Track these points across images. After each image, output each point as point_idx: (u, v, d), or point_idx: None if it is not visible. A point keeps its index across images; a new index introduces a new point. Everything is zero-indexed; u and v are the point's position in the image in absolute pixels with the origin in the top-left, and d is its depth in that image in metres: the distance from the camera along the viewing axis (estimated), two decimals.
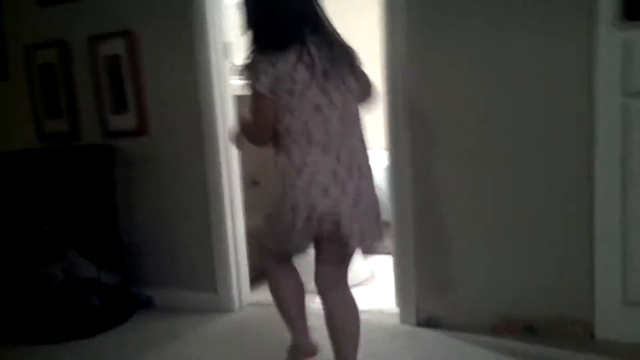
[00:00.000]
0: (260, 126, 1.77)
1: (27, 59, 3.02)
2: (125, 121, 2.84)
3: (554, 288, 2.28)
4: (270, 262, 2.01)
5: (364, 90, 1.85)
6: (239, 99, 2.78)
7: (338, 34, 1.78)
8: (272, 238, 1.86)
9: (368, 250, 1.80)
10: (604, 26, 2.06)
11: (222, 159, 2.72)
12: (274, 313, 2.06)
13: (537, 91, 2.21)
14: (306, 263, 1.93)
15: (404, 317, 2.51)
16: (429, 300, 2.46)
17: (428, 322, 2.46)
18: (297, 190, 1.70)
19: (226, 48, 2.74)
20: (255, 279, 2.93)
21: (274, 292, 2.03)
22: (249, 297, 2.88)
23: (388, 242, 2.46)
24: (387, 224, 2.58)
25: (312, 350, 2.02)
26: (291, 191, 1.71)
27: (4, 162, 2.68)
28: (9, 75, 3.12)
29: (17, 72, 3.09)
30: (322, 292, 1.87)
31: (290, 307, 2.00)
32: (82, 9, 2.88)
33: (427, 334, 2.41)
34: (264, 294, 2.94)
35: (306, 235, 1.75)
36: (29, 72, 3.02)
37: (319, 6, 1.76)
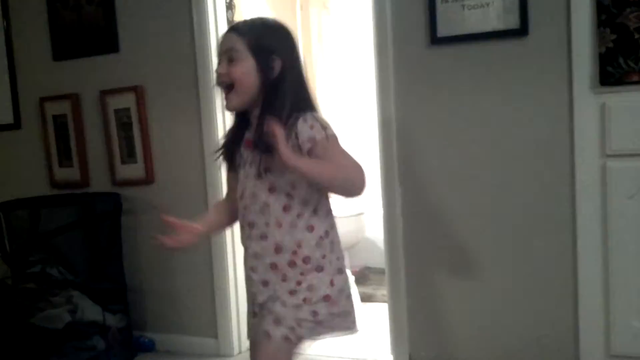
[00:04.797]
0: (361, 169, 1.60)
1: (41, 110, 3.17)
2: (133, 170, 2.98)
3: (540, 341, 2.38)
4: None
5: None
6: None
7: None
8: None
9: None
10: (581, 91, 2.22)
11: None
12: None
13: (521, 154, 2.34)
14: None
15: None
16: (421, 348, 2.55)
17: None
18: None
19: None
20: None
21: None
22: (248, 343, 2.96)
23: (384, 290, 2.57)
24: (382, 272, 2.71)
25: None
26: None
27: (18, 208, 2.82)
28: (21, 125, 3.29)
29: (29, 122, 3.25)
30: None
31: None
32: (95, 64, 3.04)
33: None
34: None
35: None
36: (43, 123, 3.18)
37: None
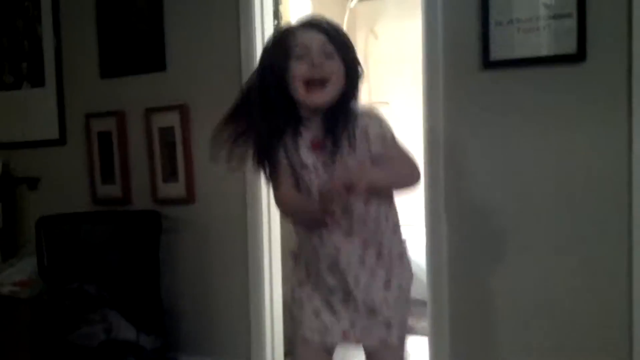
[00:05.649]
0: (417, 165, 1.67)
1: (87, 126, 3.19)
2: (175, 189, 2.96)
3: None
4: None
5: None
6: None
7: None
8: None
9: None
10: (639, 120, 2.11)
11: (264, 230, 2.80)
12: None
13: (575, 186, 2.24)
14: None
15: None
16: None
17: None
18: None
19: None
20: (289, 351, 2.95)
21: None
22: None
23: (424, 322, 2.49)
24: (423, 303, 2.61)
25: None
26: None
27: (58, 223, 2.82)
28: (66, 140, 3.31)
29: (74, 138, 3.27)
30: None
31: None
32: (141, 82, 3.05)
33: None
34: None
35: None
36: (88, 139, 3.19)
37: None
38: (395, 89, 4.12)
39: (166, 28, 2.97)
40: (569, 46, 2.19)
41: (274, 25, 3.06)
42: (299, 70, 1.57)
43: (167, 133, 2.98)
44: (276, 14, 3.77)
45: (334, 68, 1.57)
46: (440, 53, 2.40)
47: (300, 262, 1.75)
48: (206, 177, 2.92)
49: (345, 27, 4.26)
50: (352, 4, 4.55)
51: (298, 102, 1.60)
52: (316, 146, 1.62)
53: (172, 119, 2.96)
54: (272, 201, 2.77)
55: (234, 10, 2.79)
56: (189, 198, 2.94)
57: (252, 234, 2.80)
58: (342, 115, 1.59)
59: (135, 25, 3.04)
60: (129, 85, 3.09)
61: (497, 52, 2.29)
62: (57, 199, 3.27)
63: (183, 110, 2.92)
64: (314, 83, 1.56)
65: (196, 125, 2.92)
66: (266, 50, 1.66)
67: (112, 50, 3.12)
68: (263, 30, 2.81)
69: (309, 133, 1.63)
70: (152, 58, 3.01)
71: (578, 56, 2.18)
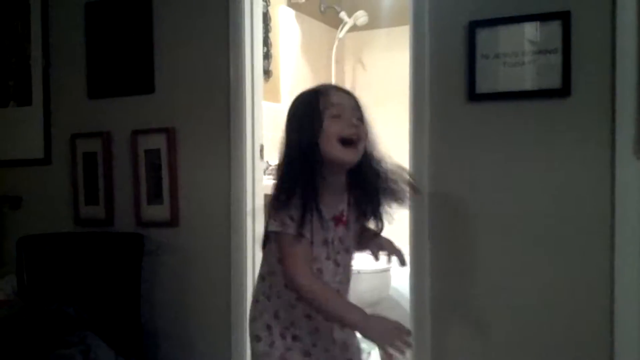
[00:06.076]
0: None
1: (72, 146, 3.17)
2: (159, 212, 2.95)
3: None
4: None
5: None
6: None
7: None
8: None
9: None
10: (623, 156, 2.14)
11: (248, 255, 2.79)
12: None
13: (559, 218, 2.26)
14: None
15: None
16: None
17: None
18: None
19: (261, 149, 2.87)
20: None
21: None
22: None
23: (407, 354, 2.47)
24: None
25: None
26: None
27: (39, 243, 2.79)
28: (51, 160, 3.29)
29: (60, 158, 3.25)
30: None
31: None
32: (129, 104, 3.06)
33: None
34: None
35: None
36: (73, 159, 3.17)
37: None
38: (382, 119, 4.14)
39: (156, 51, 2.98)
40: (554, 81, 2.22)
41: (263, 52, 3.09)
42: (336, 127, 1.58)
43: (153, 155, 2.97)
44: (266, 41, 3.83)
45: (363, 131, 1.63)
46: (427, 85, 2.44)
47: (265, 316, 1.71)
48: (191, 200, 2.91)
49: (333, 57, 4.31)
50: (341, 34, 4.60)
51: (322, 164, 1.58)
52: (339, 221, 1.65)
53: (158, 142, 2.95)
54: (256, 227, 2.80)
55: (224, 35, 2.81)
56: (173, 221, 2.93)
57: (235, 258, 2.79)
58: (374, 193, 1.68)
59: (124, 47, 3.05)
60: (117, 106, 3.09)
61: (483, 85, 2.32)
62: (39, 219, 3.23)
63: (170, 133, 2.92)
64: (348, 142, 1.59)
65: (183, 149, 2.93)
66: (298, 112, 1.64)
67: (100, 71, 3.12)
68: (252, 57, 2.83)
69: (328, 207, 1.62)
70: (141, 80, 3.01)
71: (563, 91, 2.21)
